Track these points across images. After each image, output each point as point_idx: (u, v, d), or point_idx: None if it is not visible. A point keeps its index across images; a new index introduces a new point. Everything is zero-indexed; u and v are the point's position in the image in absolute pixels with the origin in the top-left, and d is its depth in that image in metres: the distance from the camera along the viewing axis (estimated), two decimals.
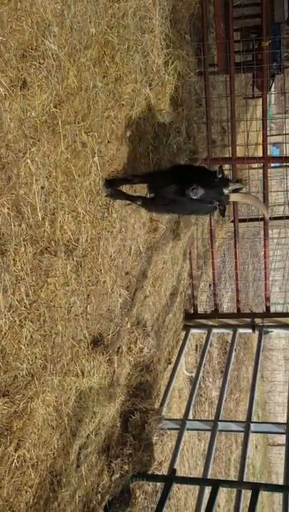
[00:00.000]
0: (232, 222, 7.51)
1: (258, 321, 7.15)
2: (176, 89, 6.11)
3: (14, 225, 3.48)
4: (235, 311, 7.40)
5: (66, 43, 3.98)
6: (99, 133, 4.54)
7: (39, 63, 3.67)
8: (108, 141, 4.73)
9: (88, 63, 4.30)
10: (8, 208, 3.40)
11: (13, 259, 3.48)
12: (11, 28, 3.42)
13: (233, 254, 7.35)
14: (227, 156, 7.47)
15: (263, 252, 7.33)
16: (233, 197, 4.36)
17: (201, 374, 6.74)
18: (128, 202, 5.01)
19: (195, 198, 4.19)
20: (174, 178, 4.57)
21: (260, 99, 7.35)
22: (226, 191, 4.27)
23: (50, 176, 3.88)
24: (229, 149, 7.08)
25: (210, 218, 7.11)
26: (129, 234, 5.32)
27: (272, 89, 8.56)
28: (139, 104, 5.26)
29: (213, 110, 7.18)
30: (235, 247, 7.17)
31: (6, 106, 3.38)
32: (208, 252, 7.72)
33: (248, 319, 7.17)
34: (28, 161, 3.62)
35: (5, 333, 3.48)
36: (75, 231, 4.28)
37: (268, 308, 7.25)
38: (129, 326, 5.41)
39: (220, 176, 4.32)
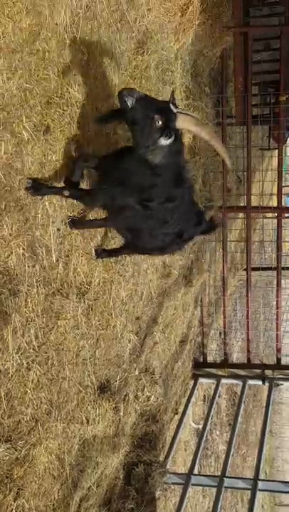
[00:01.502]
0: (244, 270, 7.47)
1: (268, 372, 7.01)
2: (194, 138, 6.19)
3: (28, 266, 3.48)
4: (246, 362, 7.28)
5: (90, 92, 4.06)
6: None
7: (63, 110, 3.75)
8: None
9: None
10: (23, 249, 3.41)
11: (25, 300, 3.47)
12: (37, 76, 3.52)
13: (244, 303, 7.29)
14: (242, 204, 7.50)
15: (275, 302, 7.26)
16: (182, 121, 3.21)
17: (208, 426, 6.59)
18: None
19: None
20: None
21: (276, 151, 7.42)
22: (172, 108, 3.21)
23: (66, 218, 3.90)
24: (244, 198, 7.11)
25: (223, 266, 7.09)
26: (142, 278, 5.30)
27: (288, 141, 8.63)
28: None
29: (229, 160, 7.23)
30: (247, 296, 7.11)
31: (29, 149, 3.44)
32: (219, 300, 7.66)
33: (258, 370, 7.04)
34: (46, 203, 3.66)
35: (12, 376, 3.42)
36: (88, 274, 4.27)
37: (278, 360, 7.13)
38: (137, 372, 5.33)
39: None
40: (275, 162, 7.86)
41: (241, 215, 7.45)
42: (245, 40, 6.55)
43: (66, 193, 3.71)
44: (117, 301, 4.79)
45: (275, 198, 7.20)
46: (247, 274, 7.11)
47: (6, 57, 3.25)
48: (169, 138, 3.18)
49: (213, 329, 7.90)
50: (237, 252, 8.60)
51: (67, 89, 3.82)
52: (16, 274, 3.38)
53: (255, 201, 7.53)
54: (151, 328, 5.64)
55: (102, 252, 4.38)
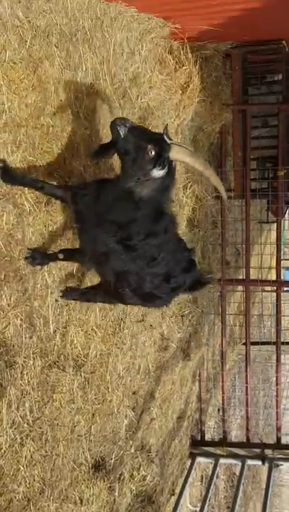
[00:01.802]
0: (244, 344, 7.35)
1: (268, 452, 6.75)
2: (194, 211, 6.25)
3: (25, 337, 3.41)
4: (245, 440, 7.03)
5: (92, 165, 4.12)
6: None
7: (65, 182, 3.79)
8: None
9: None
10: (21, 320, 3.35)
11: (21, 373, 3.37)
12: (41, 149, 3.58)
13: (243, 379, 7.12)
14: (241, 277, 7.47)
15: (274, 378, 7.10)
16: (176, 152, 3.11)
17: (206, 509, 6.27)
18: (140, 319, 4.94)
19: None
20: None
21: (275, 224, 7.48)
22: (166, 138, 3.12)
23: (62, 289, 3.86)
24: (243, 271, 7.09)
25: (221, 339, 6.97)
26: (139, 351, 5.19)
27: (287, 215, 8.72)
28: None
29: (228, 232, 7.28)
30: (246, 371, 6.96)
31: (30, 220, 3.46)
32: (218, 375, 7.48)
33: (258, 450, 6.78)
34: (46, 273, 3.64)
35: (4, 452, 3.28)
36: (85, 346, 4.18)
37: (278, 439, 6.89)
38: (133, 450, 5.12)
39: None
40: (273, 235, 7.89)
41: (240, 288, 7.40)
42: (243, 116, 6.75)
43: (60, 255, 3.60)
44: (114, 375, 4.67)
45: (273, 271, 7.19)
46: (246, 348, 6.99)
47: (12, 131, 3.31)
48: (162, 169, 3.06)
49: (211, 405, 7.68)
50: (236, 325, 8.50)
51: (70, 161, 3.87)
52: (13, 345, 3.30)
53: (254, 274, 7.51)
54: (148, 403, 5.47)
55: (71, 292, 3.92)
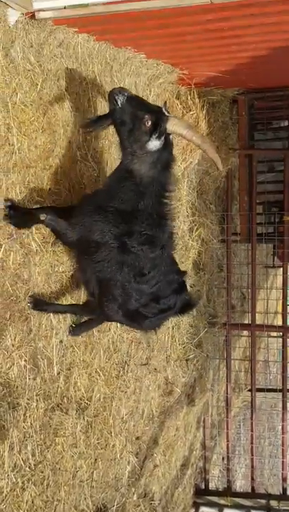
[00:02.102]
0: (249, 391, 7.23)
1: (273, 503, 6.57)
2: (199, 254, 6.25)
3: (29, 379, 3.36)
4: (250, 490, 6.85)
5: None
6: None
7: None
8: None
9: None
10: (25, 360, 3.31)
11: (24, 415, 3.30)
12: (49, 190, 3.58)
13: (248, 426, 6.99)
14: (246, 322, 7.42)
15: (280, 427, 6.96)
16: (173, 124, 2.97)
17: None
18: (144, 363, 4.88)
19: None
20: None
21: (281, 269, 7.47)
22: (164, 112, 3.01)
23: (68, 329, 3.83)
24: (248, 316, 7.05)
25: (226, 385, 6.87)
26: (143, 395, 5.11)
27: None
28: None
29: (234, 276, 7.26)
30: (251, 419, 6.84)
31: (36, 260, 3.45)
32: (222, 422, 7.34)
33: (263, 501, 6.60)
34: (51, 314, 3.59)
35: (6, 496, 3.18)
36: (89, 388, 4.11)
37: (284, 489, 6.71)
38: (135, 497, 4.98)
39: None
40: (279, 280, 7.88)
41: (245, 332, 7.34)
42: (250, 161, 6.83)
43: (43, 216, 3.21)
44: (117, 419, 4.58)
45: (279, 316, 7.15)
46: (251, 395, 6.89)
47: (21, 172, 3.34)
48: (158, 139, 2.93)
49: (215, 453, 7.51)
50: (241, 371, 8.39)
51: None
52: (16, 387, 3.25)
53: (259, 319, 7.47)
54: (152, 449, 5.35)
55: (76, 329, 3.84)
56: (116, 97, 2.91)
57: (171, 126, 2.95)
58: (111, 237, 3.09)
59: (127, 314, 3.39)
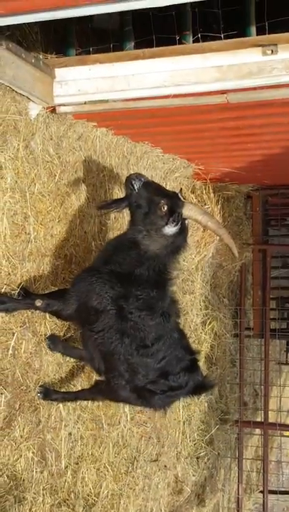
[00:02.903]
0: (261, 492, 6.96)
1: None
2: (212, 348, 6.23)
3: (36, 472, 3.31)
4: None
5: None
6: None
7: None
8: None
9: None
10: (33, 453, 3.27)
11: (30, 510, 3.22)
12: (63, 278, 3.68)
13: None
14: (259, 419, 7.25)
15: None
16: (189, 210, 3.02)
17: None
18: (154, 459, 4.75)
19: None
20: None
21: None
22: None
23: (79, 422, 3.79)
24: (261, 413, 6.90)
25: (238, 486, 6.62)
26: (152, 493, 4.94)
27: None
28: None
29: (246, 372, 7.19)
30: None
31: (48, 349, 3.47)
32: None
33: None
34: (61, 405, 3.60)
35: None
36: (97, 484, 4.02)
37: None
38: None
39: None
40: None
41: (258, 431, 7.16)
42: (264, 256, 6.96)
43: (38, 302, 3.16)
44: None
45: None
46: (263, 497, 6.62)
47: (36, 260, 3.45)
48: (176, 225, 2.94)
49: None
50: (253, 471, 8.09)
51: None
52: (23, 480, 3.20)
53: (272, 417, 7.29)
54: None
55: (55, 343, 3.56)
56: (133, 182, 2.97)
57: (187, 211, 2.99)
58: (108, 301, 3.00)
59: (135, 391, 3.24)
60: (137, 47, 3.61)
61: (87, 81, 3.53)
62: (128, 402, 3.72)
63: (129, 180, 2.98)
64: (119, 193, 4.44)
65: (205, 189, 6.01)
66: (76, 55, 3.72)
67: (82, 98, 3.58)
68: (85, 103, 3.60)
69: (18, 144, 3.32)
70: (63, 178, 3.75)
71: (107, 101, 3.57)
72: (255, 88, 3.33)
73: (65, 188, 3.77)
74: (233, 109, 3.70)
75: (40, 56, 3.47)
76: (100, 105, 3.60)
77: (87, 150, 4.04)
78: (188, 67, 3.35)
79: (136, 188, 2.96)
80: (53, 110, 3.62)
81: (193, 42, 3.52)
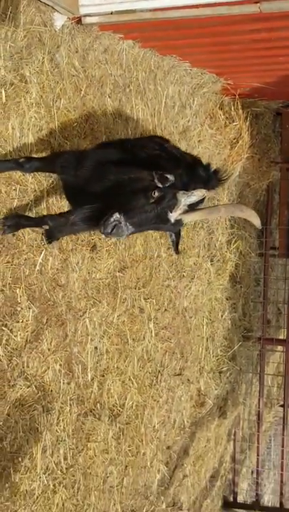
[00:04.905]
0: (281, 406, 7.18)
1: None
2: (237, 267, 6.26)
3: (63, 383, 3.43)
4: (278, 505, 6.77)
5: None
6: (157, 300, 4.61)
7: None
8: (165, 309, 4.78)
9: (155, 234, 4.50)
10: (60, 365, 3.39)
11: (58, 419, 3.39)
12: None
13: (279, 442, 6.93)
14: (281, 337, 7.37)
15: None
16: (190, 217, 2.78)
17: None
18: (177, 373, 4.89)
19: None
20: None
21: None
22: (173, 216, 2.69)
23: (104, 337, 3.90)
24: (284, 331, 7.01)
25: (258, 400, 6.83)
26: (175, 405, 5.14)
27: None
28: (200, 277, 5.37)
29: (270, 291, 7.23)
30: (283, 434, 6.77)
31: (74, 265, 3.52)
32: (253, 436, 7.30)
33: None
34: (87, 320, 3.68)
35: (37, 498, 3.26)
36: (122, 396, 4.17)
37: None
38: (164, 506, 5.01)
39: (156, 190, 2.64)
40: None
41: (280, 348, 7.29)
42: None
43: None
44: (149, 427, 4.62)
45: None
46: (284, 410, 6.82)
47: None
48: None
49: (245, 467, 7.46)
50: (274, 386, 8.32)
51: None
52: (51, 391, 3.33)
53: None
54: (182, 459, 5.37)
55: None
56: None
57: (189, 219, 2.79)
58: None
59: None
60: None
61: None
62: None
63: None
64: (145, 108, 4.34)
65: (233, 105, 5.81)
66: None
67: (108, 8, 3.43)
68: (111, 13, 3.45)
69: (43, 57, 3.22)
70: (89, 93, 3.66)
71: (134, 11, 3.42)
72: None
73: (91, 103, 3.69)
74: (266, 19, 3.54)
75: None
76: (127, 16, 3.45)
77: (113, 63, 3.92)
78: None
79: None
80: (79, 21, 3.48)
81: None
